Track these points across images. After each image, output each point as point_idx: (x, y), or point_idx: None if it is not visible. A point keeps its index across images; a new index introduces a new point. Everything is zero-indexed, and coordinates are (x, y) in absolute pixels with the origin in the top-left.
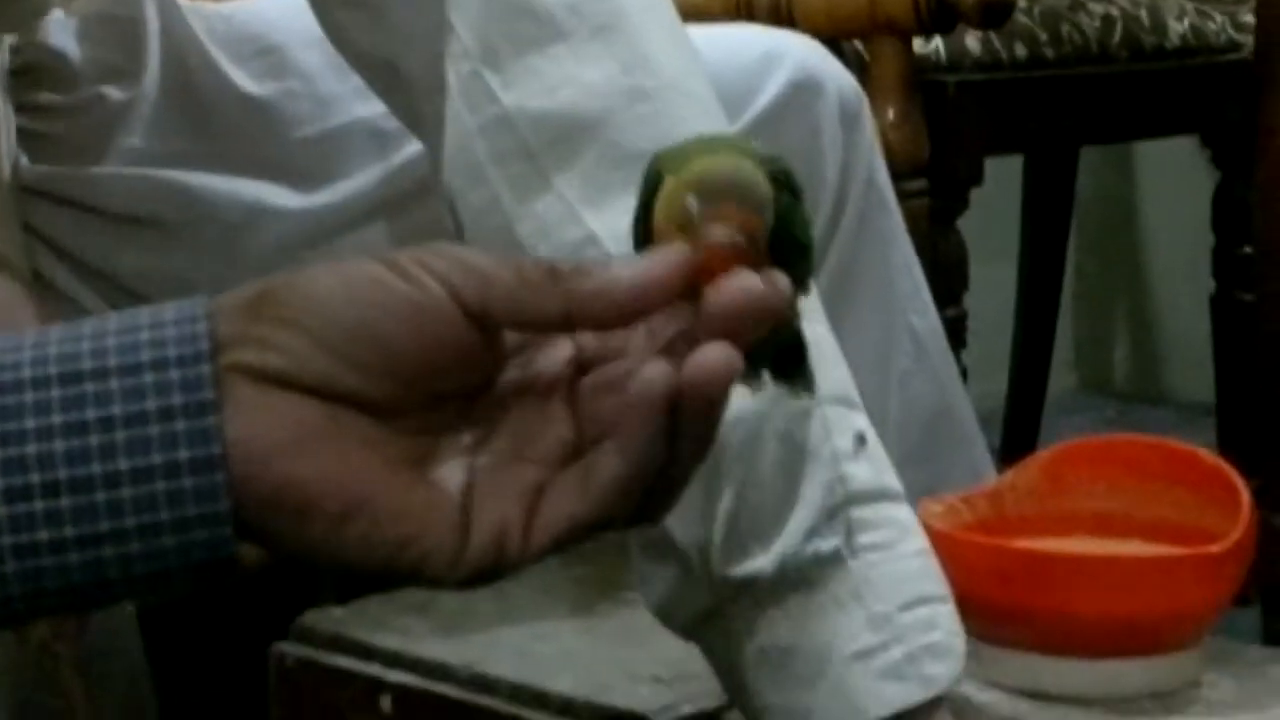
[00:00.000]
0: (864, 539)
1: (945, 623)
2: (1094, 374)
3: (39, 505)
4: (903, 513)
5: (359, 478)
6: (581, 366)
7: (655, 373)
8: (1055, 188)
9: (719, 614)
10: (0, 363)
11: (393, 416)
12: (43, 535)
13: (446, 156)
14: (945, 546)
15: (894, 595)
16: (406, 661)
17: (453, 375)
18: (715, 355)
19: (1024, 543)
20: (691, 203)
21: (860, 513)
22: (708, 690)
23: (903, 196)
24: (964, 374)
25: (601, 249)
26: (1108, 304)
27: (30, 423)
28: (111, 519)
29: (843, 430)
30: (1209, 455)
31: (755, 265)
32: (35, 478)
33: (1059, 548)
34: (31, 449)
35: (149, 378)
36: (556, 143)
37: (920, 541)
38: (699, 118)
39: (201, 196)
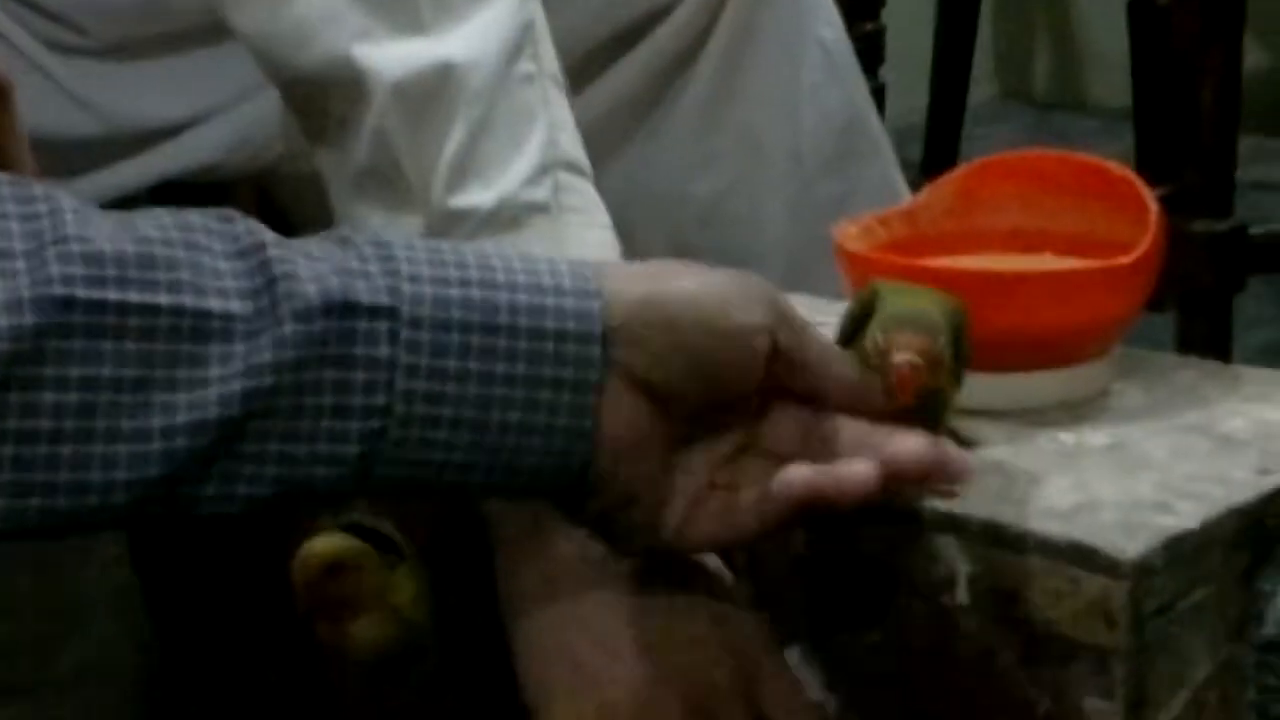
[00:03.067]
0: (566, 200)
1: None
2: (1015, 83)
3: (442, 434)
4: (594, 192)
5: (663, 478)
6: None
7: (795, 475)
8: None
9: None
10: (436, 296)
11: (686, 424)
12: (437, 456)
13: None
14: (861, 266)
15: (586, 254)
16: None
17: (736, 399)
18: (860, 473)
19: (936, 261)
20: (878, 337)
21: (565, 177)
22: None
23: None
24: (884, 89)
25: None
26: (1027, 12)
27: (452, 363)
28: (491, 456)
29: (558, 104)
30: (1117, 167)
31: (933, 375)
32: (448, 411)
33: (970, 264)
34: (451, 388)
35: (550, 346)
36: None
37: (608, 219)
38: None
39: None
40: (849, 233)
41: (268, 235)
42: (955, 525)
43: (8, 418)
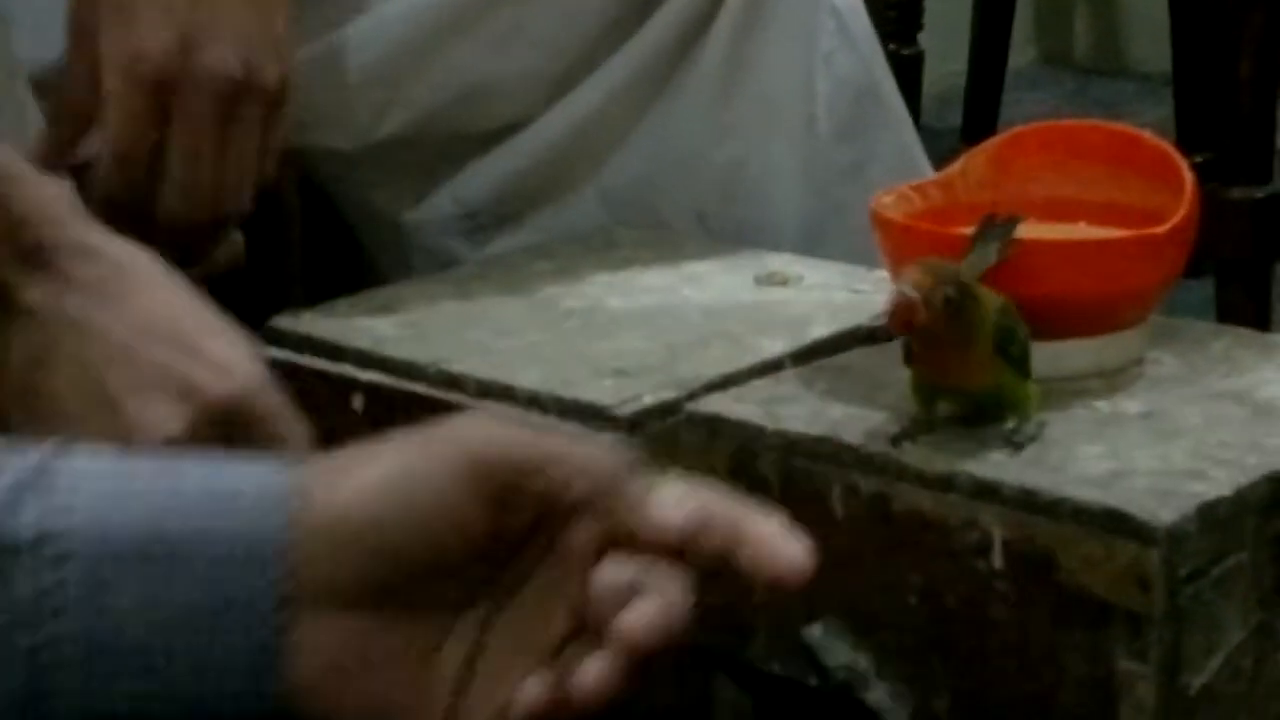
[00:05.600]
0: None
1: None
2: (1054, 47)
3: (109, 667)
4: None
5: (384, 693)
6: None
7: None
8: None
9: None
10: (102, 529)
11: (412, 608)
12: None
13: None
14: (896, 234)
15: None
16: (376, 361)
17: (476, 560)
18: (592, 677)
19: (971, 229)
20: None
21: None
22: (668, 381)
23: None
24: (922, 56)
25: None
26: None
27: (126, 600)
28: (169, 689)
29: None
30: (1153, 136)
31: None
32: (114, 639)
33: None
34: (126, 602)
35: (222, 571)
36: None
37: None
38: None
39: None
40: (884, 201)
41: None
42: (990, 491)
43: None
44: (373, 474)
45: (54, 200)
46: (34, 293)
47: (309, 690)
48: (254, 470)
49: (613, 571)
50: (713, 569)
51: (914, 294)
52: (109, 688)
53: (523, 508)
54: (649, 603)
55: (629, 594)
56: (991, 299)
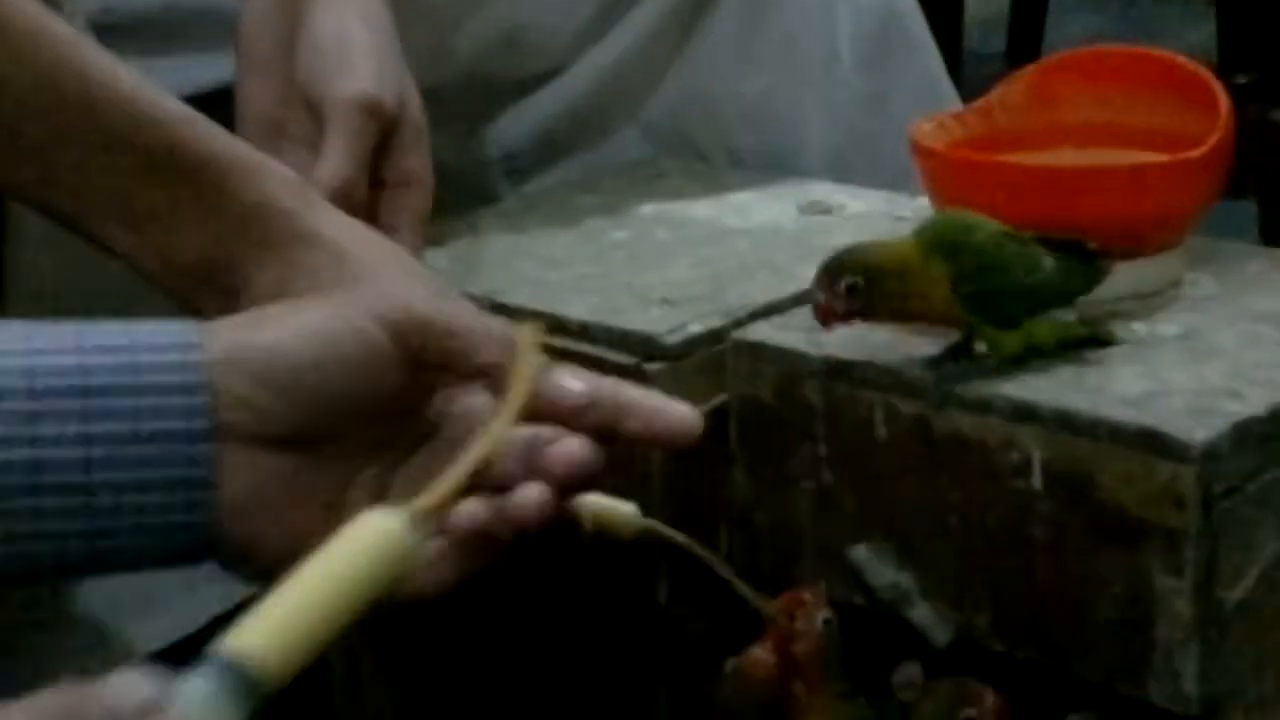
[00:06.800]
0: None
1: None
2: None
3: (50, 502)
4: None
5: (299, 529)
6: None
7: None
8: None
9: None
10: (30, 368)
11: (327, 449)
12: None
13: None
14: (935, 163)
15: None
16: None
17: (387, 410)
18: (529, 500)
19: (1010, 156)
20: None
21: None
22: (714, 310)
23: None
24: None
25: None
26: None
27: (59, 433)
28: (110, 521)
29: None
30: (1189, 61)
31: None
32: (49, 478)
33: (1042, 160)
34: (59, 435)
35: (152, 401)
36: None
37: None
38: None
39: None
40: (923, 129)
41: None
42: (1029, 413)
43: None
44: (299, 321)
45: (286, 188)
46: (263, 279)
47: (233, 518)
48: (175, 323)
49: (520, 430)
50: (606, 438)
51: (819, 295)
52: (52, 528)
53: (433, 366)
54: (571, 443)
55: (544, 442)
56: (920, 256)
